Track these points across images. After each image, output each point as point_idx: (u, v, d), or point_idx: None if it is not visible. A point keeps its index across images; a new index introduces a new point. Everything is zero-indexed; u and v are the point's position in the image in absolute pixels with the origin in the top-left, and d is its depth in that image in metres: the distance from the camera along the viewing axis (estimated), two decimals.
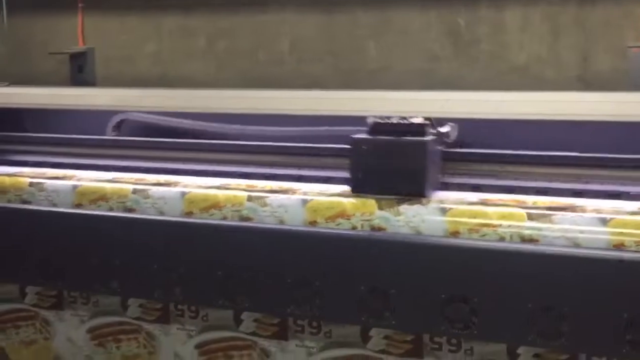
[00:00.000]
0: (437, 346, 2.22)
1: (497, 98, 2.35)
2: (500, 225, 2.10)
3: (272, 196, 2.39)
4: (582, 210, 2.11)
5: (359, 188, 2.29)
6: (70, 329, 2.71)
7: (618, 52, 3.50)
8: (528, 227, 2.10)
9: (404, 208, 2.20)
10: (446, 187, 2.33)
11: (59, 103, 2.88)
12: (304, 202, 2.33)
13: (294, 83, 3.49)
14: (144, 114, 2.94)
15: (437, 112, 2.29)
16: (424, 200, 2.21)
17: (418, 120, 2.24)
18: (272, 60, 3.60)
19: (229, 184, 2.51)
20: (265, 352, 2.43)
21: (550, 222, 2.08)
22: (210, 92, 2.88)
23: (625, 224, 2.03)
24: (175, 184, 2.54)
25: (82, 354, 2.69)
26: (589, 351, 2.06)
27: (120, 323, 2.64)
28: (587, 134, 2.33)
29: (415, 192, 2.22)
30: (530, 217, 2.12)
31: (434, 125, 2.27)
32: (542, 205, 2.17)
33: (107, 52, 3.84)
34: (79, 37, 3.71)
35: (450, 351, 2.20)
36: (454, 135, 2.36)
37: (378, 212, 2.23)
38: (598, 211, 2.09)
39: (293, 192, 2.40)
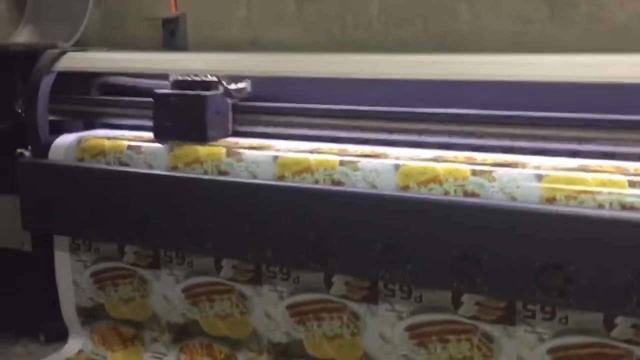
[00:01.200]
0: None
1: (592, 61, 2.27)
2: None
3: None
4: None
5: (159, 135, 2.75)
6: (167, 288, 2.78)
7: None
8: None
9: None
10: (237, 134, 2.73)
11: (153, 67, 2.92)
12: None
13: (383, 47, 3.46)
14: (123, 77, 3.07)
15: (528, 75, 2.24)
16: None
17: (209, 78, 2.70)
18: (360, 24, 3.57)
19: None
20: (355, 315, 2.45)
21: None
22: (299, 56, 2.88)
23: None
24: None
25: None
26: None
27: (214, 283, 2.69)
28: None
29: (199, 137, 2.65)
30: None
31: (222, 83, 2.70)
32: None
33: (199, 17, 3.89)
34: (172, 2, 3.77)
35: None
36: (247, 92, 2.75)
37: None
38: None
39: None
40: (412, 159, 2.35)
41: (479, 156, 2.32)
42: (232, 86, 2.71)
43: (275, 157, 2.52)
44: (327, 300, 2.50)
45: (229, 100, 2.71)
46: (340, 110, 2.59)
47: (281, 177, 2.48)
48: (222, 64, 2.80)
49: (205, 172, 2.61)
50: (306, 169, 2.45)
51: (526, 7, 3.31)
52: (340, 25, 3.66)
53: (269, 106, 2.72)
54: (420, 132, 2.47)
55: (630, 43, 2.97)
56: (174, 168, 2.67)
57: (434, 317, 2.34)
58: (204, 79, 2.70)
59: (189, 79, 2.72)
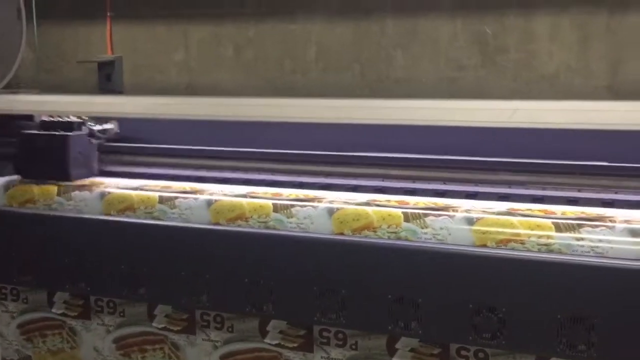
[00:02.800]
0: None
1: (522, 107, 2.32)
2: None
3: None
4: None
5: (24, 174, 2.83)
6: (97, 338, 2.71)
7: None
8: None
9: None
10: (105, 173, 2.86)
11: (88, 111, 2.89)
12: None
13: (320, 92, 3.49)
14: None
15: (461, 120, 2.28)
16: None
17: (73, 119, 2.83)
18: (298, 68, 3.60)
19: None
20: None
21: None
22: (235, 100, 2.88)
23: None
24: None
25: None
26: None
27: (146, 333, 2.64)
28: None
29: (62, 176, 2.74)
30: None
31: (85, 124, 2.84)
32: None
33: (135, 60, 3.87)
34: (108, 45, 3.74)
35: None
36: (113, 132, 2.93)
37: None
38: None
39: None
40: (346, 202, 2.36)
41: (412, 200, 2.34)
42: (98, 127, 2.85)
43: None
44: (263, 349, 2.46)
45: (94, 141, 2.83)
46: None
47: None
48: (156, 107, 2.77)
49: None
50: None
51: (459, 54, 3.39)
52: (278, 70, 3.69)
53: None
54: (352, 175, 2.48)
55: (558, 91, 3.07)
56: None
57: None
58: (69, 119, 2.81)
59: (55, 119, 2.83)
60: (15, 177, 2.90)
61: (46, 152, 2.77)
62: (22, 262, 2.71)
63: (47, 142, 2.77)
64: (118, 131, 2.92)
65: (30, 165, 2.79)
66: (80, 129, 2.81)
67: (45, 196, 2.71)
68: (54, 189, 2.73)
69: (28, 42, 3.65)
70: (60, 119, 2.81)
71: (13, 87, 3.40)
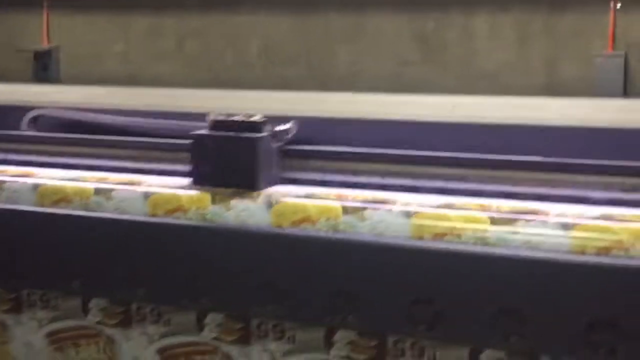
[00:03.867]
0: None
1: (462, 102, 2.35)
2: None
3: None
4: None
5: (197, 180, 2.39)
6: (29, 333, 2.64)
7: (583, 60, 3.54)
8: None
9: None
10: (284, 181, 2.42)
11: (22, 100, 2.82)
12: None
13: (263, 85, 3.49)
14: (60, 109, 2.87)
15: (403, 114, 2.29)
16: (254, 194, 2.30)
17: (255, 117, 2.34)
18: (241, 62, 3.58)
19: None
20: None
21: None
22: (175, 91, 2.85)
23: None
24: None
25: None
26: (549, 351, 2.07)
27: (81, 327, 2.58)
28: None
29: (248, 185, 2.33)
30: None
31: (270, 123, 2.36)
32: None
33: (74, 50, 3.80)
34: (44, 35, 3.66)
35: None
36: (292, 133, 2.43)
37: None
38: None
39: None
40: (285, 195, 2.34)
41: (351, 193, 2.34)
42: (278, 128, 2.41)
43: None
44: (200, 343, 2.43)
45: (275, 144, 2.39)
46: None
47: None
48: (93, 97, 2.73)
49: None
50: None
51: (402, 50, 3.42)
52: (220, 63, 3.67)
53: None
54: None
55: (497, 88, 3.12)
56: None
57: (307, 357, 2.31)
58: (249, 119, 2.35)
59: (229, 119, 2.37)
60: None
61: (228, 157, 2.36)
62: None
63: (230, 144, 2.33)
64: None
65: (206, 171, 2.37)
66: (264, 130, 2.34)
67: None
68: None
69: None
70: (236, 119, 2.35)
71: None
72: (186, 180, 2.42)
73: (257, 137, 2.31)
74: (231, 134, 2.32)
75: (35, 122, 2.90)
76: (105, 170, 2.63)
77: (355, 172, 2.39)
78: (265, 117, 2.33)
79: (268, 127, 2.34)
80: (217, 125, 2.35)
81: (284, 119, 2.45)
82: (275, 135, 2.36)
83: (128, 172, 2.58)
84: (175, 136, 2.64)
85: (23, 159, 2.74)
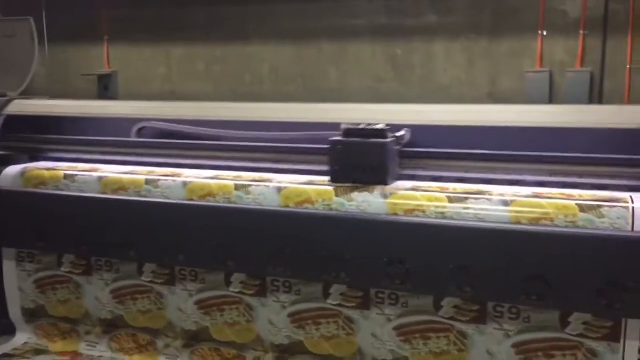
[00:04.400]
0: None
1: (425, 109, 2.32)
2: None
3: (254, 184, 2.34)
4: (489, 194, 2.09)
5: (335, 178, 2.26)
6: (97, 290, 2.61)
7: (518, 76, 3.54)
8: (449, 208, 2.09)
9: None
10: (403, 177, 2.29)
11: (89, 112, 2.77)
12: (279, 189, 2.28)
13: (272, 98, 3.45)
14: (158, 121, 2.74)
15: (381, 119, 2.26)
16: (386, 188, 2.18)
17: (380, 126, 2.22)
18: (255, 80, 3.55)
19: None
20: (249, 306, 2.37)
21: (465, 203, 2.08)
22: (206, 103, 2.80)
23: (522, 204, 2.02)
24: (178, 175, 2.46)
25: None
26: (493, 299, 2.07)
27: (136, 285, 2.55)
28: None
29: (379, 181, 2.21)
30: (450, 199, 2.10)
31: (392, 130, 2.24)
32: (460, 190, 2.16)
33: (128, 73, 3.76)
34: (105, 62, 3.62)
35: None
36: (407, 138, 2.31)
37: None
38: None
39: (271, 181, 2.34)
40: (291, 182, 2.32)
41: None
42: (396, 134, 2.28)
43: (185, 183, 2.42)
44: (227, 295, 2.41)
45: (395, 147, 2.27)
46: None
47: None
48: (144, 109, 2.68)
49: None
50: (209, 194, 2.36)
51: (378, 70, 3.39)
52: (239, 81, 3.64)
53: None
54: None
55: (451, 97, 3.09)
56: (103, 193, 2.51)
57: (310, 305, 2.30)
58: (375, 127, 2.23)
59: (359, 127, 2.24)
60: (30, 164, 2.77)
61: (363, 158, 2.22)
62: (36, 231, 2.58)
63: (365, 148, 2.21)
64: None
65: (343, 170, 2.24)
66: (389, 136, 2.22)
67: (54, 179, 2.51)
68: (59, 173, 2.51)
69: (40, 59, 3.51)
70: (365, 127, 2.23)
71: (28, 94, 3.26)
72: (318, 178, 2.30)
73: (385, 142, 2.20)
74: (362, 139, 2.21)
75: (140, 131, 2.75)
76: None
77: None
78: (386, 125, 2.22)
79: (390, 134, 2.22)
80: (349, 132, 2.24)
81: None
82: (396, 140, 2.25)
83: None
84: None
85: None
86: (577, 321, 1.99)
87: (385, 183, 2.20)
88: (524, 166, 2.19)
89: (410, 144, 2.32)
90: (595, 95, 4.14)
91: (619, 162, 2.09)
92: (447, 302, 2.12)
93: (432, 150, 2.29)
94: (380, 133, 2.21)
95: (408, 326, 2.19)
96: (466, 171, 2.26)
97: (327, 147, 2.26)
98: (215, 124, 2.63)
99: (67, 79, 3.73)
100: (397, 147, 2.26)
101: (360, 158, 2.22)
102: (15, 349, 2.66)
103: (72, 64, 3.73)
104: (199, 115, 2.62)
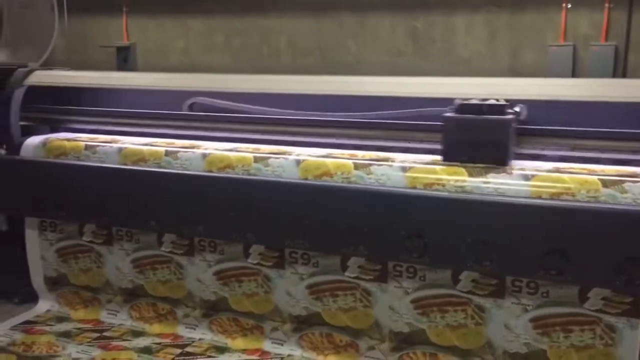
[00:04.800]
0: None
1: (444, 82, 2.28)
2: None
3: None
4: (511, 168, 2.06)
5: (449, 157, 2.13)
6: (118, 260, 2.64)
7: (541, 50, 3.46)
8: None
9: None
10: (521, 157, 2.16)
11: (110, 84, 2.78)
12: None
13: (289, 71, 3.43)
14: (209, 98, 2.65)
15: (400, 92, 2.23)
16: (507, 169, 2.07)
17: (500, 101, 2.07)
18: (273, 53, 3.52)
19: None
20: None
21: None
22: (222, 76, 2.78)
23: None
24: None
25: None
26: (511, 273, 2.06)
27: (156, 255, 2.57)
28: None
29: (499, 161, 2.07)
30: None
31: (511, 106, 2.09)
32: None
33: (147, 46, 3.75)
34: (124, 34, 3.61)
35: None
36: (524, 115, 2.16)
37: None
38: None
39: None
40: (310, 155, 2.31)
41: (359, 153, 2.31)
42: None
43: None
44: (246, 267, 2.43)
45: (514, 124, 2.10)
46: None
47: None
48: (164, 81, 2.68)
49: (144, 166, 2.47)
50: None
51: (397, 43, 3.34)
52: (257, 54, 3.61)
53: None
54: (318, 135, 2.42)
55: (472, 71, 3.04)
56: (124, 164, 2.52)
57: (328, 278, 2.31)
58: (494, 102, 2.06)
59: (475, 102, 2.08)
60: (51, 135, 2.79)
61: (482, 136, 2.07)
62: (57, 201, 2.61)
63: (482, 125, 2.05)
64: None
65: (457, 148, 2.11)
66: (508, 112, 2.06)
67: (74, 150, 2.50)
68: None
69: (60, 31, 3.52)
70: (484, 103, 2.06)
71: (49, 65, 3.28)
72: (430, 157, 2.17)
73: (508, 119, 2.05)
74: (482, 116, 2.05)
75: (191, 107, 2.66)
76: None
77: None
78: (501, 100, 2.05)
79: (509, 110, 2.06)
80: (464, 108, 2.07)
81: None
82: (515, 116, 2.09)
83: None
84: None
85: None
86: (597, 297, 1.98)
87: (504, 163, 2.06)
88: (546, 140, 2.16)
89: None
90: (620, 70, 4.05)
91: None
92: (466, 276, 2.11)
93: (551, 129, 2.12)
94: (500, 109, 2.04)
95: (426, 299, 2.19)
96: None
97: (440, 124, 2.11)
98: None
99: (86, 51, 3.74)
100: (515, 124, 2.08)
101: (477, 136, 2.06)
102: (37, 316, 2.72)
103: (91, 35, 3.72)
104: (215, 87, 2.58)
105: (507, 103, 2.08)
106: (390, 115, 2.33)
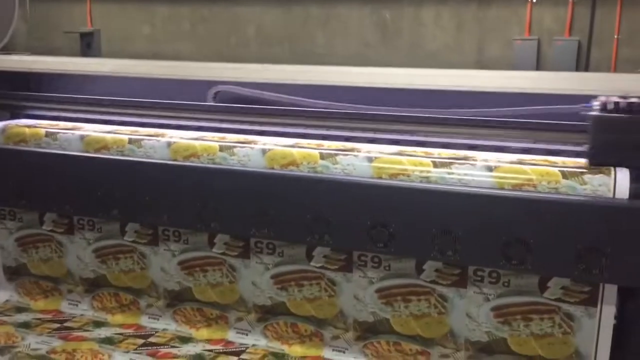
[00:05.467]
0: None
1: (408, 73, 2.29)
2: None
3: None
4: (474, 159, 2.09)
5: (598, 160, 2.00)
6: (80, 249, 2.59)
7: (506, 43, 3.50)
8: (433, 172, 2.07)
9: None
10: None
11: (72, 69, 2.71)
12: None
13: (258, 61, 3.40)
14: (234, 86, 2.53)
15: (365, 82, 2.23)
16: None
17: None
18: (241, 42, 3.48)
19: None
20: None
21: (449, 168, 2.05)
22: (186, 63, 2.72)
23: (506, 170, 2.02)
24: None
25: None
26: (475, 263, 2.08)
27: (119, 245, 2.53)
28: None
29: None
30: (435, 164, 2.09)
31: None
32: (445, 155, 2.13)
33: (111, 33, 3.67)
34: (88, 19, 3.52)
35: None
36: None
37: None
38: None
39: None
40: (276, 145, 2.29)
41: (325, 143, 2.30)
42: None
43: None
44: (211, 257, 2.41)
45: None
46: None
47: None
48: (126, 68, 2.63)
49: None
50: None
51: (366, 35, 3.34)
52: (225, 43, 3.57)
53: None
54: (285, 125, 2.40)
55: (439, 63, 3.06)
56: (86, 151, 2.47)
57: (293, 268, 2.30)
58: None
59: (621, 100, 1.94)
60: (10, 121, 2.71)
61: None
62: (17, 189, 2.54)
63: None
64: None
65: (609, 151, 1.96)
66: None
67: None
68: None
69: (21, 15, 3.41)
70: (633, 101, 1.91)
71: (9, 50, 3.18)
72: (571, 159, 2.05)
73: None
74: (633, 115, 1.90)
75: (215, 96, 2.52)
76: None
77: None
78: None
79: None
80: (615, 107, 1.92)
81: None
82: None
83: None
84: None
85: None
86: (556, 286, 2.02)
87: None
88: (508, 133, 2.18)
89: None
90: (582, 64, 4.13)
91: None
92: (429, 266, 2.13)
93: None
94: None
95: (390, 289, 2.20)
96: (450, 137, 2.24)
97: (586, 124, 1.96)
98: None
99: (49, 36, 3.64)
100: None
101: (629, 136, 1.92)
102: None
103: (55, 21, 3.63)
104: (179, 74, 2.53)
105: None
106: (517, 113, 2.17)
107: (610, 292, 1.97)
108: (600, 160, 1.97)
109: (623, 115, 1.91)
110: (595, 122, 1.95)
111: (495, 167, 2.04)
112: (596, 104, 1.96)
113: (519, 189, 1.99)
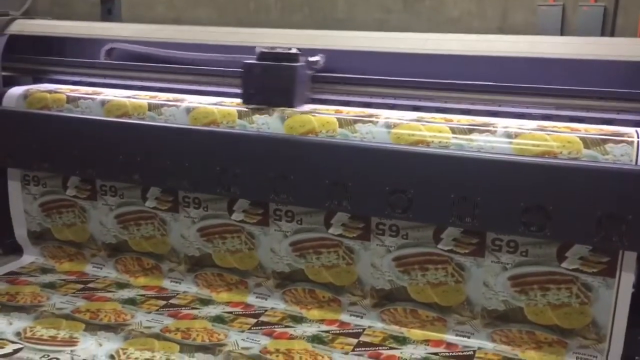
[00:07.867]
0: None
1: (429, 38, 2.24)
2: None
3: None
4: (494, 126, 2.05)
5: (248, 101, 2.33)
6: (102, 215, 2.62)
7: (530, 9, 3.41)
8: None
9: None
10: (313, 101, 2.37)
11: (92, 34, 2.70)
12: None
13: (279, 27, 3.36)
14: (128, 43, 2.73)
15: (386, 47, 2.19)
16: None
17: (292, 50, 2.28)
18: (260, 8, 3.44)
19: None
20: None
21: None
22: (204, 28, 2.70)
23: None
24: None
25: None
26: (493, 230, 2.06)
27: (140, 211, 2.56)
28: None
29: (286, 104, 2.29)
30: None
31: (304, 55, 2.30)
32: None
33: None
34: None
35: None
36: (321, 64, 2.36)
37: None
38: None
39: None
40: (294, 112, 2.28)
41: (344, 109, 2.28)
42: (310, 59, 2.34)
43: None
44: (230, 224, 2.42)
45: (308, 72, 2.35)
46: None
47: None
48: (146, 32, 2.61)
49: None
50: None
51: (386, 1, 3.28)
52: (245, 9, 3.53)
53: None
54: None
55: (461, 30, 3.00)
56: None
57: (312, 235, 2.31)
58: (288, 50, 2.28)
59: (273, 50, 2.29)
60: (33, 86, 2.72)
61: (272, 82, 2.30)
62: (40, 152, 2.56)
63: (274, 72, 2.28)
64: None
65: (253, 93, 2.32)
66: (300, 60, 2.29)
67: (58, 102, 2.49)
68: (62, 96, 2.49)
69: None
70: (280, 50, 2.29)
71: (30, 15, 3.18)
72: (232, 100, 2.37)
73: (295, 66, 2.26)
74: (275, 63, 2.28)
75: (109, 53, 2.74)
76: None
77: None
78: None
79: (303, 58, 2.29)
80: (263, 56, 2.30)
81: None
82: (309, 64, 2.31)
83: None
84: (220, 66, 2.53)
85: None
86: (574, 256, 2.00)
87: (291, 106, 2.27)
88: (530, 99, 2.14)
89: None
90: (608, 31, 4.01)
91: (626, 96, 2.04)
92: (447, 235, 2.12)
93: (345, 77, 2.33)
94: (292, 57, 2.26)
95: (407, 257, 2.20)
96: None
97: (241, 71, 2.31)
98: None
99: (70, 2, 3.63)
100: (311, 72, 2.32)
101: (270, 81, 2.29)
102: (22, 267, 2.71)
103: None
104: (195, 39, 2.53)
105: (299, 52, 2.26)
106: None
107: (629, 259, 1.94)
108: (249, 100, 2.30)
109: (267, 62, 2.26)
110: (245, 68, 2.29)
111: (516, 134, 2.01)
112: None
113: (539, 156, 1.96)
